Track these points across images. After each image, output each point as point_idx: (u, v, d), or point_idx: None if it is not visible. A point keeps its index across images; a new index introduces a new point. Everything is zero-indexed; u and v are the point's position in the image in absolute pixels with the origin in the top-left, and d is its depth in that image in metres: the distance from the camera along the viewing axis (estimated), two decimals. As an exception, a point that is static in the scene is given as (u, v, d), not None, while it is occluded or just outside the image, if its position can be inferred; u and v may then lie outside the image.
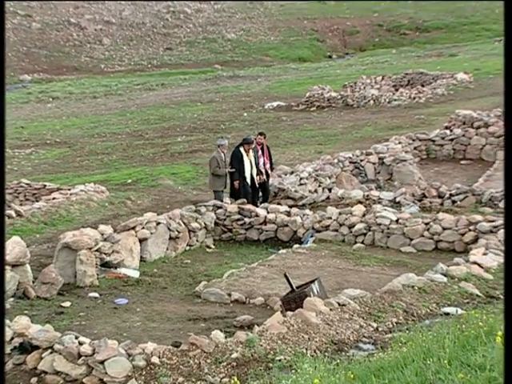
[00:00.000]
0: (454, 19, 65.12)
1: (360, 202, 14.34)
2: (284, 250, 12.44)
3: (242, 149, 15.16)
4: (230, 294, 10.06)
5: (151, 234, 12.43)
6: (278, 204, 14.82)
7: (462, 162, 18.75)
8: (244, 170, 15.05)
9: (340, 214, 13.23)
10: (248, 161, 15.16)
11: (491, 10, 66.39)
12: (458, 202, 14.01)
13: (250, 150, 15.28)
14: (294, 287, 8.98)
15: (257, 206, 14.67)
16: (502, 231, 11.14)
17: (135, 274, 11.45)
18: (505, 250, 4.07)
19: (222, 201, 14.57)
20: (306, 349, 7.07)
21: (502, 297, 8.67)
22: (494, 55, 43.32)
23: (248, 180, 15.14)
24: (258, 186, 15.33)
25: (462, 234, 11.94)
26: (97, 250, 11.24)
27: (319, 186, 16.59)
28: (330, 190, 16.02)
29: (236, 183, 15.03)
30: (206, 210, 13.86)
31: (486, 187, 14.67)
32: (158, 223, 12.67)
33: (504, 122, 4.41)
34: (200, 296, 10.26)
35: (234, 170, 14.91)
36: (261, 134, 16.08)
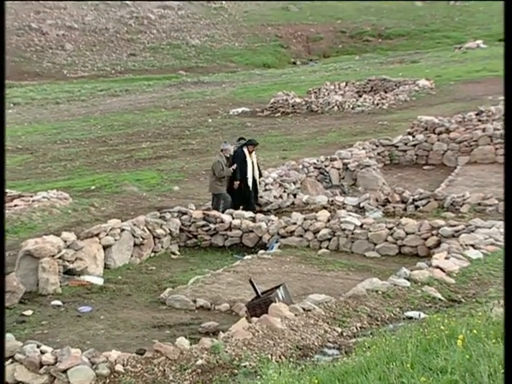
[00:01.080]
0: (415, 27, 65.98)
1: (325, 208, 14.41)
2: (249, 256, 12.44)
3: (245, 149, 15.15)
4: (195, 301, 10.02)
5: (115, 240, 12.33)
6: (243, 210, 14.82)
7: (425, 167, 18.98)
8: (246, 171, 15.03)
9: (305, 219, 13.28)
10: (250, 162, 15.15)
11: (450, 17, 67.51)
12: (421, 207, 14.17)
13: (253, 153, 15.30)
14: (260, 293, 8.98)
15: (254, 209, 14.64)
16: (463, 235, 11.30)
17: (99, 282, 11.34)
18: (505, 250, 4.10)
19: (220, 205, 14.58)
20: (271, 354, 7.07)
21: (463, 300, 8.79)
22: (454, 62, 44.03)
23: (250, 181, 15.09)
24: (257, 187, 15.29)
25: (425, 239, 12.08)
26: (60, 258, 11.11)
27: (284, 191, 16.64)
28: (294, 196, 16.08)
29: (236, 183, 14.97)
30: (170, 217, 13.79)
31: (448, 192, 14.88)
32: (123, 230, 12.57)
33: (504, 122, 4.46)
34: (165, 303, 10.20)
35: (235, 167, 14.83)
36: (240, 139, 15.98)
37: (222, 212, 14.27)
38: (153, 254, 13.10)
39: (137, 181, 19.56)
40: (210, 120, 30.69)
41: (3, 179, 5.76)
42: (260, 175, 15.66)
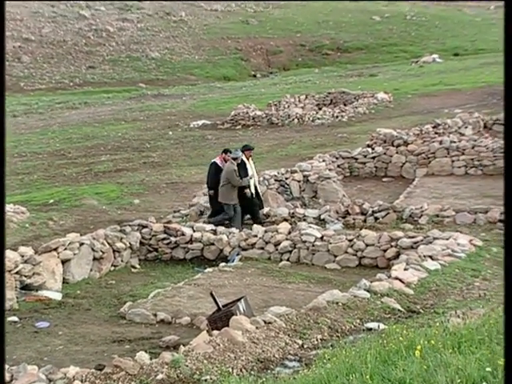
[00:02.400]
0: (374, 40, 66.89)
1: (285, 220, 14.47)
2: (210, 269, 12.40)
3: (243, 156, 15.02)
4: (155, 315, 9.94)
5: (74, 254, 12.18)
6: (204, 222, 14.79)
7: (384, 179, 19.18)
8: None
9: (266, 231, 13.31)
10: (251, 168, 15.05)
11: (407, 32, 68.65)
12: (380, 219, 14.32)
13: (250, 158, 15.19)
14: (221, 306, 8.95)
15: (258, 218, 14.52)
16: (421, 246, 11.46)
17: (57, 297, 11.17)
18: (505, 250, 4.13)
19: (232, 215, 14.46)
20: (232, 368, 7.04)
21: (422, 311, 8.90)
22: (412, 76, 44.75)
23: (253, 188, 14.99)
24: (258, 193, 15.18)
25: (384, 250, 12.20)
26: (16, 273, 10.91)
27: (245, 204, 16.63)
28: (255, 208, 16.08)
29: (247, 191, 14.80)
30: (130, 230, 13.68)
31: (407, 204, 15.06)
32: (82, 244, 12.43)
33: (504, 121, 4.51)
34: (125, 317, 10.09)
35: (250, 177, 14.74)
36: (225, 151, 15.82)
37: (230, 225, 14.12)
38: (113, 268, 12.97)
39: (96, 194, 19.36)
40: (170, 133, 30.58)
41: (3, 180, 5.70)
42: (259, 181, 15.64)
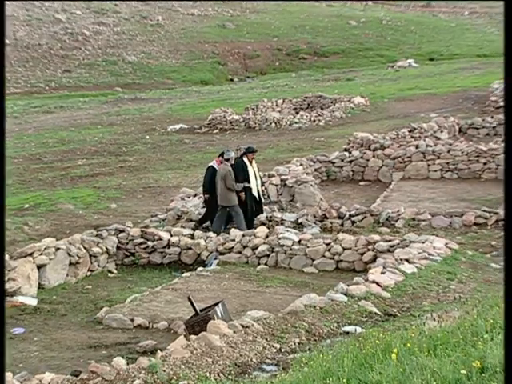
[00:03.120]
0: (350, 45, 67.24)
1: (263, 224, 14.48)
2: (188, 273, 12.38)
3: (245, 159, 14.77)
4: (132, 320, 9.89)
5: (50, 260, 12.08)
6: (182, 227, 14.75)
7: (361, 183, 19.27)
8: (249, 181, 14.66)
9: (243, 235, 13.31)
10: (252, 171, 14.81)
11: (383, 37, 69.12)
12: (358, 223, 14.39)
13: (253, 160, 14.94)
14: (198, 310, 8.93)
15: (252, 223, 14.35)
16: (398, 250, 11.53)
17: (33, 302, 11.07)
18: (505, 250, 4.16)
19: (233, 216, 14.30)
20: (210, 372, 7.03)
21: (398, 314, 8.95)
22: (388, 80, 45.05)
23: (254, 191, 14.75)
24: (260, 197, 14.96)
25: (362, 254, 12.25)
26: (-9, 279, 10.79)
27: (222, 208, 16.61)
28: (233, 212, 16.07)
29: (242, 195, 14.56)
30: (107, 234, 13.61)
31: (384, 207, 15.14)
32: (58, 249, 12.33)
33: (504, 121, 4.54)
34: (101, 322, 10.03)
35: (249, 185, 14.47)
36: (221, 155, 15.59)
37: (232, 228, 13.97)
38: (89, 273, 12.88)
39: (72, 199, 19.23)
40: (147, 137, 30.48)
41: (3, 180, 5.65)
42: (262, 184, 15.42)
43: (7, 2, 71.94)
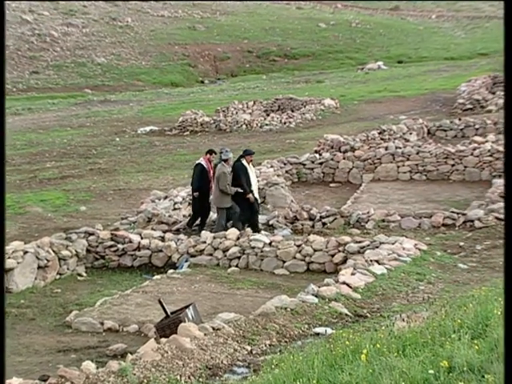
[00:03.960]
0: (320, 47, 67.56)
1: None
2: (158, 276, 12.32)
3: (244, 161, 14.55)
4: (102, 323, 9.82)
5: (18, 263, 11.94)
6: (152, 229, 14.68)
7: (331, 184, 19.37)
8: (251, 184, 14.42)
9: (214, 238, 13.29)
10: (253, 173, 14.66)
11: (353, 39, 69.59)
12: (328, 224, 14.45)
13: (251, 163, 14.77)
14: (169, 313, 8.90)
15: (257, 226, 14.16)
16: (368, 251, 11.61)
17: None
18: (505, 250, 4.18)
19: (228, 220, 14.10)
20: (181, 375, 7.00)
21: (368, 315, 9.01)
22: (358, 82, 45.38)
23: (256, 194, 14.56)
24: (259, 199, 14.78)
25: (332, 255, 12.31)
26: (-42, 283, 10.63)
27: (193, 210, 16.57)
28: (203, 215, 16.03)
29: (251, 197, 14.24)
30: (77, 237, 13.49)
31: (354, 209, 15.23)
32: (26, 252, 12.19)
33: (504, 122, 4.56)
34: (71, 326, 9.94)
35: (242, 190, 14.19)
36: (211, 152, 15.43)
37: (226, 227, 13.76)
38: (58, 277, 12.76)
39: (41, 201, 19.02)
40: (117, 139, 30.28)
41: (3, 181, 5.57)
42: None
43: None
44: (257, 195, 14.75)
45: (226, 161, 14.48)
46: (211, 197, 14.83)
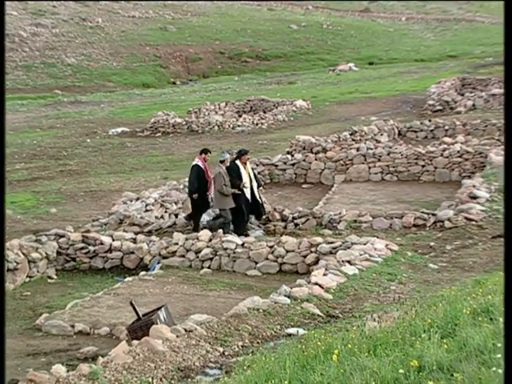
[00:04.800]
0: (292, 49, 67.74)
1: (206, 227, 14.43)
2: (130, 278, 12.26)
3: (238, 162, 14.52)
4: (73, 326, 9.73)
5: (-13, 266, 11.77)
6: (124, 231, 14.59)
7: (304, 185, 19.43)
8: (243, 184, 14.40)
9: (186, 239, 13.26)
10: (246, 174, 14.53)
11: (324, 41, 69.92)
12: (300, 225, 14.50)
13: (247, 163, 14.72)
14: (141, 315, 8.85)
15: (241, 229, 14.09)
16: (340, 252, 11.67)
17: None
18: (505, 250, 4.19)
19: (230, 220, 14.00)
20: (152, 378, 6.97)
21: (340, 315, 9.06)
22: (329, 84, 45.60)
23: (248, 194, 14.45)
24: (258, 199, 14.69)
25: (304, 256, 12.35)
26: None
27: (165, 211, 16.53)
28: (176, 216, 16.01)
29: (241, 188, 14.26)
30: (47, 240, 13.37)
31: (326, 210, 15.30)
32: (-5, 255, 12.02)
33: (504, 121, 4.58)
34: (41, 329, 9.84)
35: (239, 192, 14.20)
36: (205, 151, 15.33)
37: (218, 229, 13.66)
38: (28, 279, 12.63)
39: (11, 203, 18.80)
40: (88, 140, 30.05)
41: (3, 181, 5.48)
42: (259, 185, 15.09)
43: None
44: (248, 195, 14.62)
45: (222, 162, 14.57)
46: (212, 195, 14.77)
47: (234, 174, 14.44)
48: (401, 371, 4.35)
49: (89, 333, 9.63)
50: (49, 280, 12.82)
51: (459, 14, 79.67)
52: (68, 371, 7.09)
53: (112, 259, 13.37)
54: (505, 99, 4.56)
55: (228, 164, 14.60)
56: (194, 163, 15.34)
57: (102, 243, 13.50)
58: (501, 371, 4.02)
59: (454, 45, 63.62)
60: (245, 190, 14.53)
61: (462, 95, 31.57)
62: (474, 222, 13.29)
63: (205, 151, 15.39)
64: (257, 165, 20.07)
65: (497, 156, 17.47)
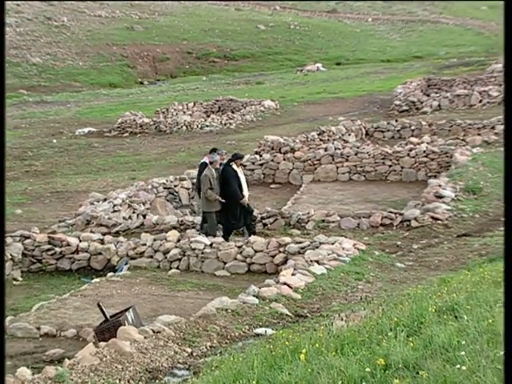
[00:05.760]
0: (259, 49, 67.82)
1: (175, 228, 14.40)
2: (98, 279, 12.17)
3: (234, 165, 13.92)
4: (39, 328, 9.63)
5: (-49, 269, 11.59)
6: (91, 232, 14.47)
7: (272, 185, 19.47)
8: (242, 188, 13.89)
9: (155, 240, 13.20)
10: (243, 177, 14.14)
11: (292, 41, 70.14)
12: (269, 225, 14.53)
13: (240, 167, 14.26)
14: (108, 317, 8.79)
15: (252, 228, 13.81)
16: (308, 251, 11.72)
17: None
18: (505, 250, 4.19)
19: (216, 224, 13.57)
20: (120, 379, 6.93)
21: (308, 315, 9.10)
22: (297, 84, 45.77)
23: (246, 198, 14.00)
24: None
25: (273, 256, 12.37)
26: None
27: (133, 212, 16.42)
28: (144, 217, 15.92)
29: (244, 201, 13.67)
30: (12, 241, 13.20)
31: (294, 210, 15.36)
32: (-41, 257, 11.84)
33: (504, 122, 4.60)
34: (6, 332, 9.69)
35: (224, 201, 13.49)
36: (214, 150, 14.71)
37: (206, 233, 13.33)
38: (-7, 282, 12.44)
39: (-25, 205, 18.52)
40: (54, 140, 29.73)
41: (3, 181, 5.36)
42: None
43: None
44: (247, 200, 14.25)
45: (211, 163, 13.89)
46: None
47: (232, 178, 13.81)
48: (367, 370, 4.39)
49: (55, 335, 9.53)
50: (14, 282, 12.67)
51: (424, 16, 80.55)
52: (33, 374, 7.01)
53: (79, 260, 13.25)
54: (505, 98, 4.62)
55: (217, 166, 13.91)
56: (202, 161, 14.78)
57: (68, 244, 13.38)
58: (465, 368, 4.09)
59: (419, 46, 64.31)
60: (245, 194, 13.97)
61: (428, 96, 31.95)
62: (439, 221, 13.47)
63: (214, 150, 14.69)
64: (225, 165, 20.05)
65: (462, 156, 17.72)
